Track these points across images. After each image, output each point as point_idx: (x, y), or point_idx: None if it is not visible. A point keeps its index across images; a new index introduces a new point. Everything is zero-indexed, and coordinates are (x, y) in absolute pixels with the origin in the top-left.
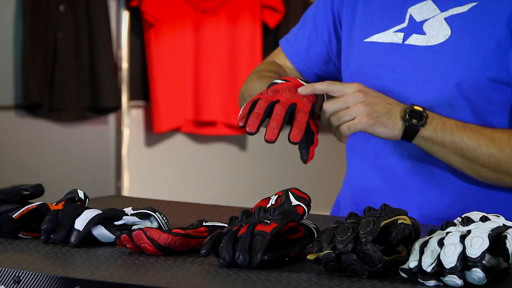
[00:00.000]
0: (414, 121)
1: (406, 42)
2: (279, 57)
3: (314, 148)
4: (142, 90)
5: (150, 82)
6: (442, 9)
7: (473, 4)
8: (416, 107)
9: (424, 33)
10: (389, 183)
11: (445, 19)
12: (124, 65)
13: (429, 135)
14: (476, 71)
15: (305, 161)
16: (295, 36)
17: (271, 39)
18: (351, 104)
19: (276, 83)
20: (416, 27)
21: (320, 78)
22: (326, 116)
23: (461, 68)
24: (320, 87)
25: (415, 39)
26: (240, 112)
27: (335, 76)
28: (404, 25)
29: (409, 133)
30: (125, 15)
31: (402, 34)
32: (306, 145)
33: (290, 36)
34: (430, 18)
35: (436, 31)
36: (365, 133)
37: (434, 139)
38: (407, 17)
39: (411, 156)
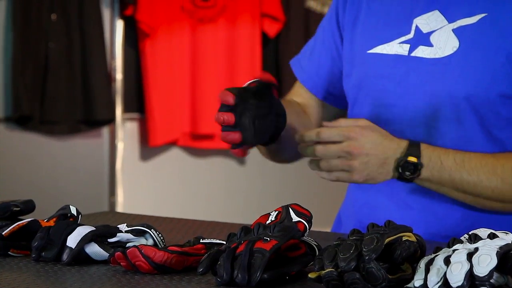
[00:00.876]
0: (407, 174)
1: (412, 54)
2: (295, 89)
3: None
4: (137, 102)
5: (145, 94)
6: (450, 20)
7: (482, 15)
8: (410, 159)
9: (431, 45)
10: (395, 199)
11: (453, 30)
12: (118, 76)
13: (426, 177)
14: (486, 84)
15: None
16: (308, 57)
17: (271, 49)
18: (344, 155)
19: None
20: (423, 39)
21: (333, 96)
22: (314, 152)
23: (470, 82)
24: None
25: (422, 51)
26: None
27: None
28: (410, 36)
29: (404, 181)
30: (119, 24)
31: (408, 45)
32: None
33: (303, 58)
34: (438, 29)
35: (444, 43)
36: None
37: (431, 180)
38: (413, 28)
39: None
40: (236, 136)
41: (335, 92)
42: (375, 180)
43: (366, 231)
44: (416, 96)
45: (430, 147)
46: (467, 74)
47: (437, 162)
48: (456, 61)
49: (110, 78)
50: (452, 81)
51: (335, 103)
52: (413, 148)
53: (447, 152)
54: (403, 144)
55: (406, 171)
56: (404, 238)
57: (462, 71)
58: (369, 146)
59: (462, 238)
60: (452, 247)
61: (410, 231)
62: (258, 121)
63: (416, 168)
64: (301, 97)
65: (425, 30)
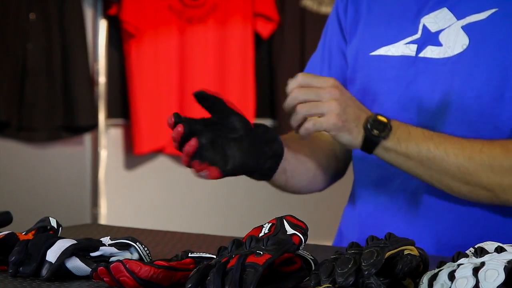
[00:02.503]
0: (375, 131)
1: (421, 55)
2: None
3: None
4: (121, 107)
5: (130, 98)
6: (459, 17)
7: (493, 10)
8: (380, 117)
9: (440, 44)
10: (402, 210)
11: (462, 27)
12: (102, 79)
13: (391, 146)
14: (497, 82)
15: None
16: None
17: (264, 50)
18: (324, 98)
19: None
20: (432, 38)
21: None
22: (292, 101)
23: (481, 80)
24: (295, 83)
25: (430, 51)
26: None
27: None
28: (417, 36)
29: (370, 143)
30: (103, 24)
31: (415, 46)
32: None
33: None
34: (446, 27)
35: (453, 41)
36: (374, 159)
37: (397, 150)
38: (420, 27)
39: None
40: (192, 142)
41: None
42: (349, 132)
43: (366, 244)
44: (426, 99)
45: (401, 123)
46: (477, 72)
47: (405, 131)
48: (466, 59)
49: (92, 82)
50: (462, 80)
51: None
52: (381, 116)
53: (415, 126)
54: (371, 110)
55: (375, 128)
56: (406, 252)
57: (473, 69)
58: (349, 95)
59: (467, 252)
60: (457, 261)
61: (412, 244)
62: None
63: (385, 127)
64: None
65: (433, 29)
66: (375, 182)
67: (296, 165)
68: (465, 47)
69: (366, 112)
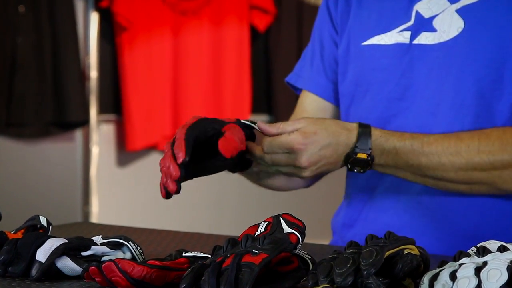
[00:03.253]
0: (356, 169)
1: (415, 42)
2: (297, 106)
3: (231, 140)
4: (113, 103)
5: (123, 93)
6: (453, 1)
7: None
8: (359, 156)
9: (435, 30)
10: (403, 206)
11: (457, 11)
12: (93, 73)
13: (378, 164)
14: (496, 64)
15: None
16: (309, 66)
17: (260, 44)
18: (291, 152)
19: None
20: (425, 24)
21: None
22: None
23: (479, 62)
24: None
25: (425, 38)
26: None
27: None
28: (411, 23)
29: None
30: (94, 17)
31: (409, 33)
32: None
33: (301, 69)
34: (441, 12)
35: (448, 25)
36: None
37: (385, 166)
38: (413, 14)
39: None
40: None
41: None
42: (328, 171)
43: (365, 243)
44: (423, 87)
45: (383, 134)
46: (475, 55)
47: (392, 151)
48: (462, 42)
49: (84, 76)
50: (460, 64)
51: None
52: (363, 140)
53: (403, 137)
54: (352, 137)
55: (356, 166)
56: (406, 251)
57: (470, 52)
58: (317, 153)
59: (469, 251)
60: (458, 261)
61: (413, 243)
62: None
63: (367, 164)
64: (308, 113)
65: (426, 15)
66: (366, 182)
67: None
68: (460, 30)
69: (343, 147)
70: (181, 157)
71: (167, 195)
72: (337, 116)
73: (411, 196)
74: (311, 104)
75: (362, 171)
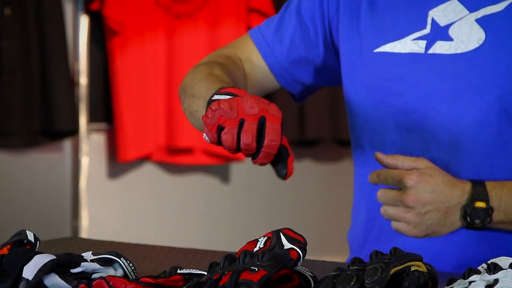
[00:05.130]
0: (477, 222)
1: (430, 51)
2: (245, 50)
3: (292, 161)
4: (104, 111)
5: (114, 101)
6: (471, 9)
7: (510, 1)
8: (478, 204)
9: (451, 39)
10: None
11: (477, 20)
12: (83, 80)
13: (498, 220)
14: None
15: (284, 176)
16: (274, 32)
17: None
18: (399, 205)
19: (218, 99)
20: (441, 33)
21: (297, 83)
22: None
23: (502, 78)
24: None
25: (440, 47)
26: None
27: (312, 81)
28: (426, 31)
29: (474, 229)
30: (84, 21)
31: (424, 42)
32: (281, 158)
33: (266, 30)
34: (457, 20)
35: (467, 35)
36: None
37: (506, 221)
38: (429, 21)
39: None
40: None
41: (299, 78)
42: (438, 233)
43: (369, 259)
44: (437, 99)
45: (497, 185)
46: (498, 69)
47: (510, 202)
48: (483, 55)
49: (73, 83)
50: (481, 79)
51: (295, 90)
52: (479, 190)
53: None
54: (466, 188)
55: (476, 219)
56: (412, 268)
57: (493, 66)
58: (427, 195)
59: (479, 268)
60: (468, 278)
61: (420, 260)
62: None
63: (487, 213)
64: (250, 63)
65: (442, 23)
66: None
67: None
68: (481, 42)
69: (457, 197)
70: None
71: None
72: (266, 85)
73: None
74: (252, 61)
75: (481, 225)
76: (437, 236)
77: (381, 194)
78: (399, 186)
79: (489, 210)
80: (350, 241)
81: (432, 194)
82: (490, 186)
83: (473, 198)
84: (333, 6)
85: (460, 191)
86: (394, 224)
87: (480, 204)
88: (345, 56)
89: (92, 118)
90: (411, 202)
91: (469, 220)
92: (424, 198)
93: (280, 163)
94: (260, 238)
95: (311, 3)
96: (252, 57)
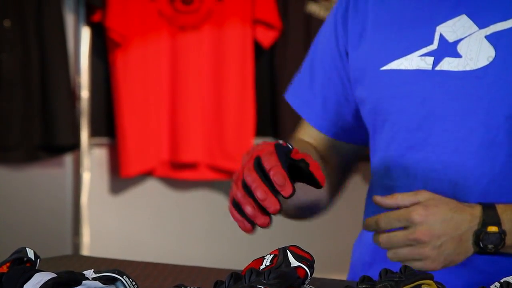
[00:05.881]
0: (490, 247)
1: (437, 68)
2: (303, 126)
3: (316, 167)
4: (106, 125)
5: (116, 115)
6: (481, 25)
7: None
8: (490, 229)
9: (459, 56)
10: None
11: (486, 37)
12: (84, 93)
13: (510, 245)
14: None
15: (320, 186)
16: (310, 91)
17: (265, 61)
18: (412, 243)
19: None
20: (449, 49)
21: (343, 132)
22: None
23: None
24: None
25: (448, 64)
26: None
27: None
28: (434, 47)
29: (487, 254)
30: (85, 32)
31: (432, 58)
32: (303, 172)
33: (302, 91)
34: (466, 36)
35: (476, 52)
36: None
37: None
38: (437, 37)
39: None
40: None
41: (345, 126)
42: (456, 262)
43: (379, 278)
44: (444, 117)
45: (507, 207)
46: (508, 89)
47: None
48: (493, 73)
49: (74, 96)
50: (491, 98)
51: (349, 139)
52: (490, 214)
53: None
54: (476, 212)
55: (489, 244)
56: (423, 287)
57: (503, 84)
58: (439, 226)
59: (492, 286)
60: None
61: (431, 278)
62: None
63: (500, 238)
64: (311, 137)
65: (451, 39)
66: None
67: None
68: (491, 59)
69: (468, 223)
70: (289, 190)
71: (254, 228)
72: (338, 149)
73: None
74: (311, 134)
75: (494, 249)
76: (455, 265)
77: (386, 239)
78: (406, 225)
79: (502, 234)
80: (354, 259)
81: (443, 224)
82: (500, 209)
83: (484, 223)
84: (344, 36)
85: (470, 216)
86: (413, 264)
87: (493, 229)
88: (355, 79)
89: (93, 133)
90: (425, 237)
91: (481, 245)
92: (437, 230)
93: (305, 177)
94: (266, 255)
95: (327, 42)
96: (308, 129)
